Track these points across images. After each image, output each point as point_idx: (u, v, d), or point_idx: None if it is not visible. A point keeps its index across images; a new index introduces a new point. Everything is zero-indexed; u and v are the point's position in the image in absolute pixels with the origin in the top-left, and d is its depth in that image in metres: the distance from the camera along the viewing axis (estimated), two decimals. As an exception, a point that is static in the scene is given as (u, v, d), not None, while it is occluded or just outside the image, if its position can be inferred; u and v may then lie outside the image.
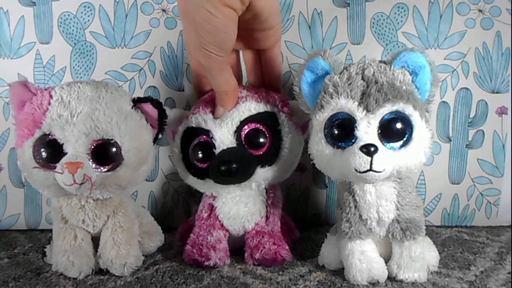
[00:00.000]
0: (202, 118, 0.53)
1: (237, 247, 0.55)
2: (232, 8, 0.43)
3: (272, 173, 0.53)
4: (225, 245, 0.54)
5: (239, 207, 0.54)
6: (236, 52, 0.55)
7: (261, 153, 0.51)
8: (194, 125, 0.53)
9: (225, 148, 0.51)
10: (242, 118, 0.51)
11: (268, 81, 0.56)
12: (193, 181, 0.54)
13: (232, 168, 0.49)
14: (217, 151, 0.51)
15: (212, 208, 0.55)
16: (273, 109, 0.53)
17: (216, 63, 0.47)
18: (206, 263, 0.51)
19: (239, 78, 0.56)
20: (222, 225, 0.54)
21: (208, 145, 0.51)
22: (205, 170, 0.52)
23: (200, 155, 0.52)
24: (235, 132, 0.51)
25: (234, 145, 0.51)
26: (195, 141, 0.53)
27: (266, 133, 0.51)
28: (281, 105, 0.53)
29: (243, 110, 0.52)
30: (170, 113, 0.56)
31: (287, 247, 0.54)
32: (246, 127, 0.51)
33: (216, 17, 0.42)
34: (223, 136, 0.51)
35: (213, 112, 0.53)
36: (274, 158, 0.52)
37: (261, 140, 0.51)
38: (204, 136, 0.52)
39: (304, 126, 0.54)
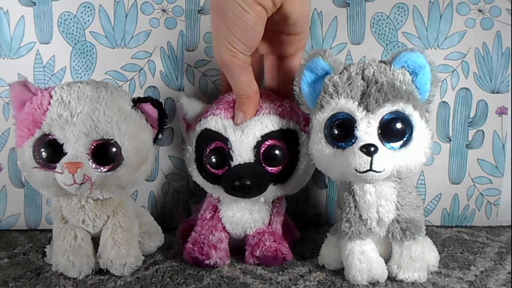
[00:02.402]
0: (222, 123, 0.51)
1: (237, 247, 0.55)
2: (263, 7, 0.44)
3: (283, 190, 0.52)
4: (226, 246, 0.54)
5: (243, 213, 0.54)
6: (260, 57, 0.55)
7: (276, 171, 0.50)
8: (212, 128, 0.51)
9: (242, 162, 0.50)
10: (263, 133, 0.50)
11: (283, 91, 0.55)
12: (202, 182, 0.54)
13: (247, 185, 0.48)
14: (233, 163, 0.50)
15: (216, 209, 0.55)
16: (295, 127, 0.51)
17: (240, 61, 0.46)
18: (207, 262, 0.51)
19: (259, 84, 0.55)
20: (224, 227, 0.54)
21: (223, 152, 0.50)
22: (217, 176, 0.51)
23: (215, 162, 0.51)
24: (255, 147, 0.50)
25: (252, 160, 0.50)
26: (211, 145, 0.51)
27: (284, 151, 0.50)
28: (304, 123, 0.52)
29: (266, 124, 0.50)
30: (188, 103, 0.55)
31: (287, 246, 0.53)
32: (266, 143, 0.50)
33: (247, 13, 0.43)
34: (243, 151, 0.49)
35: (233, 118, 0.51)
36: (288, 177, 0.51)
37: (279, 158, 0.50)
38: (221, 143, 0.50)
39: None
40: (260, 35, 0.46)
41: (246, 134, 0.50)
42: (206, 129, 0.52)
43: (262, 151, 0.50)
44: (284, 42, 0.51)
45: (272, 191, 0.52)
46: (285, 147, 0.51)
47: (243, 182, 0.48)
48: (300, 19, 0.48)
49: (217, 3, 0.45)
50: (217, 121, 0.51)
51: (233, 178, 0.49)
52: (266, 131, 0.50)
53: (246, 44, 0.46)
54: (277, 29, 0.49)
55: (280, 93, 0.55)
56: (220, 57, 0.47)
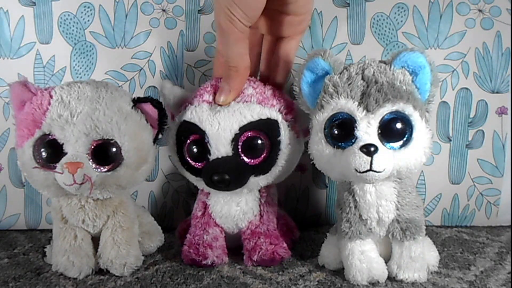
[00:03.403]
0: (197, 114, 0.50)
1: (235, 245, 0.54)
2: None
3: (266, 180, 0.52)
4: (222, 243, 0.54)
5: (231, 206, 0.53)
6: (261, 38, 0.54)
7: (257, 163, 0.50)
8: (190, 120, 0.50)
9: (219, 156, 0.49)
10: (242, 124, 0.48)
11: (274, 75, 0.54)
12: (187, 175, 0.53)
13: (225, 179, 0.48)
14: (211, 157, 0.49)
15: (205, 206, 0.55)
16: (276, 117, 0.50)
17: (237, 29, 0.45)
18: (204, 262, 0.51)
19: (255, 64, 0.54)
20: (216, 222, 0.54)
21: (201, 145, 0.50)
22: (198, 169, 0.51)
23: (194, 155, 0.51)
24: (232, 140, 0.48)
25: (230, 154, 0.49)
26: (190, 138, 0.51)
27: (265, 143, 0.49)
28: (285, 111, 0.51)
29: (245, 115, 0.49)
30: (170, 92, 0.54)
31: (284, 245, 0.53)
32: (244, 135, 0.49)
33: None
34: (220, 144, 0.48)
35: (210, 102, 0.50)
36: (269, 168, 0.50)
37: (259, 150, 0.49)
38: (199, 136, 0.50)
39: (306, 130, 0.52)
40: (261, 6, 0.45)
41: (223, 127, 0.48)
42: (184, 121, 0.51)
43: (240, 143, 0.49)
44: (284, 22, 0.50)
45: (254, 182, 0.51)
46: (265, 138, 0.49)
47: (222, 177, 0.48)
48: None
49: None
50: (192, 112, 0.50)
51: (211, 172, 0.48)
52: (245, 122, 0.49)
53: (244, 11, 0.44)
54: (277, 7, 0.48)
55: (271, 79, 0.54)
56: (218, 22, 0.46)
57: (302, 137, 0.53)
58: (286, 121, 0.51)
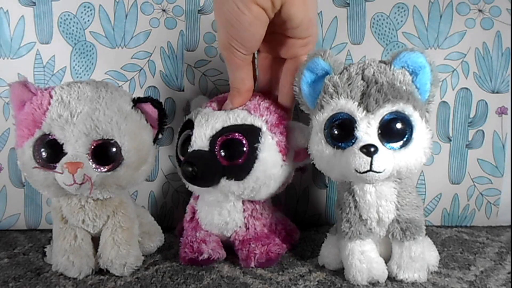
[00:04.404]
0: (197, 111, 0.53)
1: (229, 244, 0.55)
2: (262, 8, 0.43)
3: (238, 189, 0.50)
4: (215, 238, 0.54)
5: (213, 214, 0.54)
6: (271, 60, 0.54)
7: (230, 164, 0.49)
8: (190, 117, 0.53)
9: (196, 149, 0.50)
10: (225, 125, 0.50)
11: (281, 97, 0.54)
12: (180, 174, 0.53)
13: (192, 171, 0.48)
14: (190, 149, 0.50)
15: (194, 211, 0.56)
16: (261, 125, 0.50)
17: (237, 58, 0.47)
18: (201, 257, 0.51)
19: (269, 85, 0.55)
20: (203, 228, 0.55)
21: (188, 139, 0.51)
22: None
23: (182, 148, 0.52)
24: (212, 137, 0.49)
25: (206, 148, 0.49)
26: (183, 134, 0.53)
27: (243, 147, 0.49)
28: (274, 123, 0.51)
29: (230, 117, 0.50)
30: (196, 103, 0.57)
31: (277, 240, 0.53)
32: (225, 135, 0.49)
33: (243, 13, 0.43)
34: (198, 137, 0.50)
35: (214, 108, 0.53)
36: (243, 175, 0.49)
37: (236, 152, 0.49)
38: (189, 130, 0.52)
39: (298, 153, 0.52)
40: (259, 37, 0.46)
41: (208, 123, 0.50)
42: (187, 119, 0.54)
43: (219, 142, 0.49)
44: (289, 44, 0.50)
45: (226, 186, 0.50)
46: (245, 144, 0.49)
47: (189, 167, 0.48)
48: (304, 23, 0.47)
49: (217, 4, 0.45)
50: (195, 111, 0.53)
51: (184, 162, 0.49)
52: (228, 123, 0.50)
53: (242, 43, 0.46)
54: (282, 32, 0.48)
55: (280, 101, 0.54)
56: (220, 50, 0.48)
57: (290, 160, 0.52)
58: (271, 132, 0.50)
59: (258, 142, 0.49)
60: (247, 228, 0.54)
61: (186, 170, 0.48)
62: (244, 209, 0.54)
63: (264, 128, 0.50)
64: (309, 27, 0.48)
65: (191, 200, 0.58)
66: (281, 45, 0.50)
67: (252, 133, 0.50)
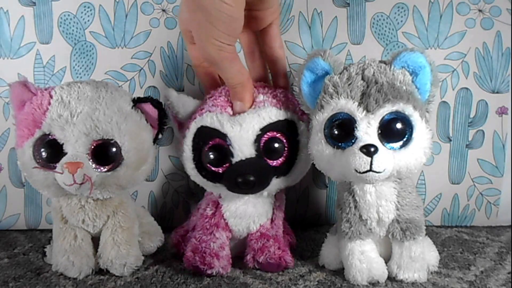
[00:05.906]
0: (218, 119, 0.49)
1: (237, 255, 0.53)
2: None
3: (285, 182, 0.51)
4: (228, 252, 0.52)
5: (247, 206, 0.52)
6: (253, 35, 0.54)
7: (278, 163, 0.50)
8: (209, 125, 0.50)
9: (243, 158, 0.49)
10: (262, 126, 0.49)
11: (271, 67, 0.55)
12: (202, 182, 0.52)
13: (250, 181, 0.47)
14: (234, 159, 0.49)
15: (217, 205, 0.53)
16: (293, 117, 0.51)
17: (228, 53, 0.46)
18: (209, 272, 0.49)
19: (262, 65, 0.56)
20: (226, 224, 0.53)
21: (223, 149, 0.49)
22: (218, 174, 0.50)
23: (214, 160, 0.50)
24: (255, 141, 0.48)
25: (253, 155, 0.48)
26: (209, 143, 0.50)
27: (285, 143, 0.50)
28: (301, 112, 0.51)
29: (264, 117, 0.49)
30: (179, 101, 0.53)
31: (290, 254, 0.53)
32: (266, 135, 0.49)
33: (229, 5, 0.43)
34: (243, 146, 0.48)
35: (229, 113, 0.50)
36: (289, 169, 0.50)
37: (280, 150, 0.49)
38: (220, 140, 0.49)
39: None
40: (241, 20, 0.46)
41: (245, 129, 0.49)
42: (202, 126, 0.50)
43: (262, 144, 0.49)
44: (258, 16, 0.51)
45: (275, 184, 0.51)
46: (284, 138, 0.50)
47: (247, 179, 0.47)
48: None
49: (195, 2, 0.45)
50: (213, 118, 0.50)
51: (235, 175, 0.48)
52: (265, 123, 0.49)
53: (231, 35, 0.45)
54: (250, 8, 0.48)
55: (263, 73, 0.55)
56: (208, 54, 0.47)
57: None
58: (302, 121, 0.51)
59: (298, 134, 0.50)
60: (273, 220, 0.54)
61: (244, 181, 0.47)
62: (275, 199, 0.54)
63: (296, 119, 0.51)
64: None
65: (211, 195, 0.55)
66: (252, 19, 0.50)
67: (290, 127, 0.50)
